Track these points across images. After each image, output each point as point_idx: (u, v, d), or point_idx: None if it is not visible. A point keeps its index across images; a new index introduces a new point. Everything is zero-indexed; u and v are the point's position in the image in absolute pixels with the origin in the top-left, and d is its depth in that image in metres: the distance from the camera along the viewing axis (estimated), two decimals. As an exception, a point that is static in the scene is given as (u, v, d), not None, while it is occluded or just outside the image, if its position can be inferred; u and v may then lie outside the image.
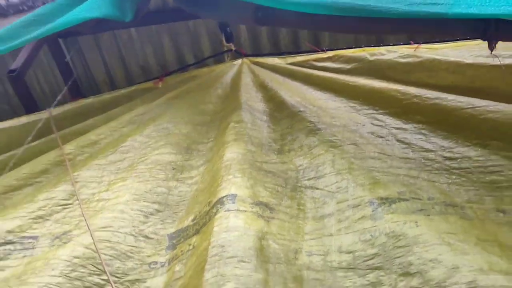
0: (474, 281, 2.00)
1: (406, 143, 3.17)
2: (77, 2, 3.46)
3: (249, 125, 3.51)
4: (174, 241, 2.71)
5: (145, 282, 2.48)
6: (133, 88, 4.30)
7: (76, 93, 4.60)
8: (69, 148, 3.54)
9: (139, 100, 4.13)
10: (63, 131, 3.79)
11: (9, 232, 2.78)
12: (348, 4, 2.46)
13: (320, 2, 2.56)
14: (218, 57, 4.65)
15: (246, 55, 4.38)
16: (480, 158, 2.91)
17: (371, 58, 3.90)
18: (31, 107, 4.19)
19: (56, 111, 3.96)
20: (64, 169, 3.31)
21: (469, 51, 3.60)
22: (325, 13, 2.55)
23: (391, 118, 3.41)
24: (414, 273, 2.13)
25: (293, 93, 3.88)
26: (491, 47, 2.42)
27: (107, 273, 2.41)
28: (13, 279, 2.43)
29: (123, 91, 4.28)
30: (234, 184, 2.75)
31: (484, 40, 2.45)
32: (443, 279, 2.04)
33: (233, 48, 4.37)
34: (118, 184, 3.10)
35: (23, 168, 3.40)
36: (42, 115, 3.84)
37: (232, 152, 3.07)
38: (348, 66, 3.92)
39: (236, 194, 2.66)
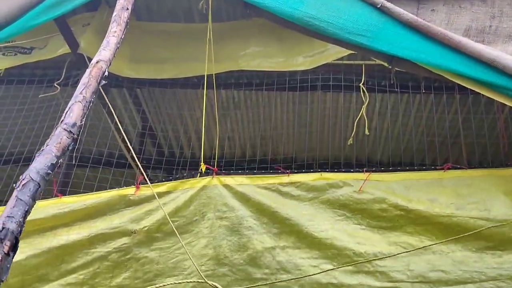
0: None
1: None
2: None
3: None
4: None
5: None
6: (113, 193, 4.20)
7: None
8: None
9: (117, 218, 4.10)
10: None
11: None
12: (302, 17, 3.37)
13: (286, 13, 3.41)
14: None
15: (217, 173, 4.24)
16: None
17: (329, 190, 3.98)
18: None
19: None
20: None
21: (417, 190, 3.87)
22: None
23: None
24: None
25: (264, 241, 3.94)
26: (393, 70, 3.77)
27: None
28: None
29: (104, 195, 4.18)
30: None
31: (388, 65, 3.58)
32: None
33: (204, 166, 4.31)
34: None
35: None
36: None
37: None
38: (309, 195, 4.01)
39: None
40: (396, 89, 4.86)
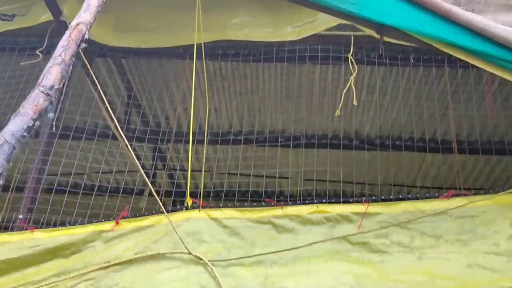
0: None
1: None
2: None
3: None
4: None
5: None
6: (90, 228, 3.98)
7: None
8: None
9: (91, 255, 3.87)
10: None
11: None
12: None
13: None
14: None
15: (204, 206, 3.99)
16: None
17: (326, 224, 3.77)
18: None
19: None
20: None
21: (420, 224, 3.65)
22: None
23: None
24: None
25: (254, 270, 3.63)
26: (381, 40, 3.63)
27: None
28: None
29: (79, 231, 3.98)
30: None
31: (377, 34, 3.63)
32: None
33: (190, 201, 4.06)
34: None
35: None
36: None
37: None
38: (305, 228, 3.78)
39: None
40: (385, 60, 4.80)
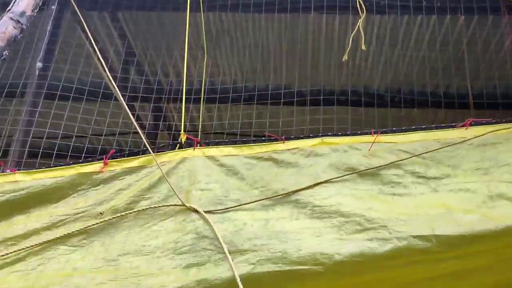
0: None
1: None
2: None
3: None
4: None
5: None
6: (77, 170, 3.68)
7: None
8: None
9: (82, 201, 3.57)
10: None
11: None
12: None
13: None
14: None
15: (198, 143, 3.75)
16: None
17: (333, 155, 3.52)
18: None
19: None
20: None
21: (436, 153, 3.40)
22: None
23: None
24: None
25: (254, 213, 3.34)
26: None
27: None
28: None
29: (66, 173, 3.66)
30: None
31: None
32: None
33: (185, 136, 3.86)
34: None
35: None
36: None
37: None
38: (310, 161, 3.53)
39: None
40: (396, 2, 4.46)
